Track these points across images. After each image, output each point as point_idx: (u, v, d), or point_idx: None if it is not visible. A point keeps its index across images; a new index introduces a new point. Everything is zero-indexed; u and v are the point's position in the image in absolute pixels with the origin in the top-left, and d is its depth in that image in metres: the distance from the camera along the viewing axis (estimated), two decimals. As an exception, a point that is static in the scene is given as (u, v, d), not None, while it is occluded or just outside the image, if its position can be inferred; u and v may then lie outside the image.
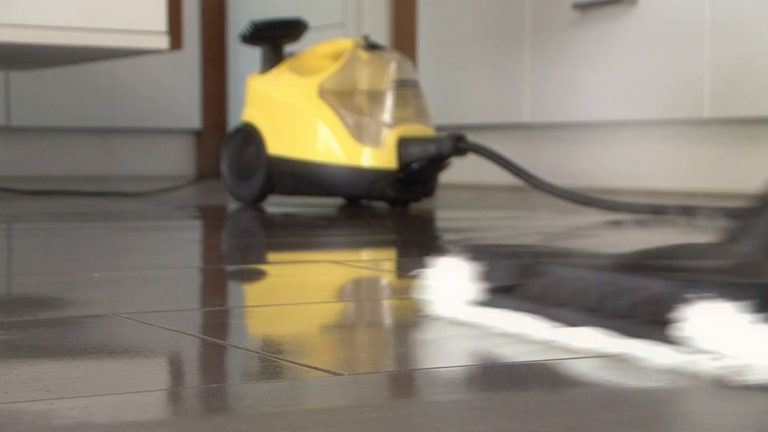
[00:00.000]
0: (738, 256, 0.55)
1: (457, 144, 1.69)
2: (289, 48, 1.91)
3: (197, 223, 1.57)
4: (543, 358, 0.55)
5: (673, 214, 1.48)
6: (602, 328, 0.55)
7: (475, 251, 0.65)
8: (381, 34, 2.83)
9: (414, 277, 0.67)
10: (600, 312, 0.55)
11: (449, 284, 0.66)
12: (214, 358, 0.57)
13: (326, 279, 0.92)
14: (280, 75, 1.84)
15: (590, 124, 2.42)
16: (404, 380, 0.52)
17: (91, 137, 3.29)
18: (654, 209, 1.53)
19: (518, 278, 0.61)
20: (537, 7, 2.48)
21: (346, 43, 1.82)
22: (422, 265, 0.68)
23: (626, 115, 2.30)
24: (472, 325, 0.64)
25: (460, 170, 2.62)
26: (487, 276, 0.63)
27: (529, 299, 0.59)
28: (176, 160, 3.42)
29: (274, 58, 1.88)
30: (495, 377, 0.52)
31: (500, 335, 0.61)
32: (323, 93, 1.77)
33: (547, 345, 0.58)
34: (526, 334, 0.59)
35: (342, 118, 1.74)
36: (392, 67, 1.75)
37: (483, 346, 0.59)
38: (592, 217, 1.54)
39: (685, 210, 1.47)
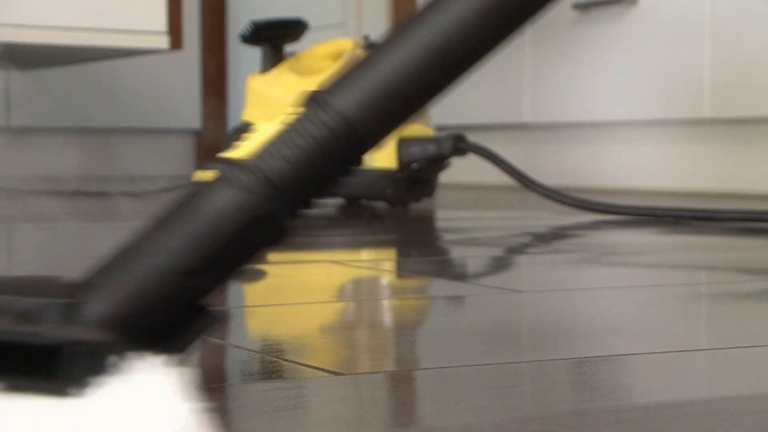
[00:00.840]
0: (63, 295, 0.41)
1: (457, 144, 1.69)
2: (289, 48, 1.91)
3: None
4: None
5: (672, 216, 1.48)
6: None
7: None
8: (381, 34, 2.83)
9: None
10: None
11: None
12: (214, 358, 0.57)
13: (326, 279, 0.92)
14: (280, 75, 1.84)
15: (590, 124, 2.42)
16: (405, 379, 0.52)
17: (91, 137, 3.29)
18: (651, 211, 1.53)
19: None
20: (537, 7, 2.48)
21: (346, 43, 1.82)
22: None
23: (626, 115, 2.30)
24: None
25: (460, 170, 2.62)
26: None
27: None
28: (176, 160, 3.42)
29: (274, 58, 1.88)
30: None
31: None
32: (323, 93, 1.76)
33: None
34: None
35: (342, 118, 1.74)
36: (392, 67, 1.75)
37: None
38: (589, 217, 1.54)
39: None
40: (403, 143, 1.71)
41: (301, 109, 0.44)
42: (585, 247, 1.18)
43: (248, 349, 0.59)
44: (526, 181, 1.66)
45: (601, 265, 1.01)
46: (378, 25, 2.87)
